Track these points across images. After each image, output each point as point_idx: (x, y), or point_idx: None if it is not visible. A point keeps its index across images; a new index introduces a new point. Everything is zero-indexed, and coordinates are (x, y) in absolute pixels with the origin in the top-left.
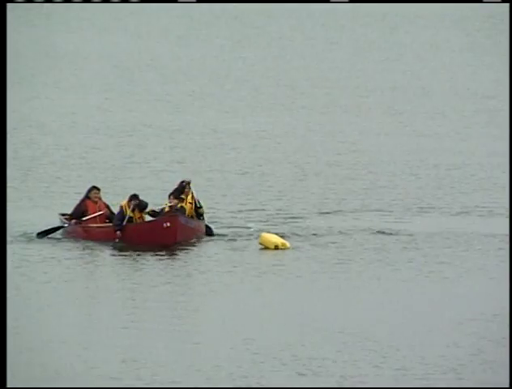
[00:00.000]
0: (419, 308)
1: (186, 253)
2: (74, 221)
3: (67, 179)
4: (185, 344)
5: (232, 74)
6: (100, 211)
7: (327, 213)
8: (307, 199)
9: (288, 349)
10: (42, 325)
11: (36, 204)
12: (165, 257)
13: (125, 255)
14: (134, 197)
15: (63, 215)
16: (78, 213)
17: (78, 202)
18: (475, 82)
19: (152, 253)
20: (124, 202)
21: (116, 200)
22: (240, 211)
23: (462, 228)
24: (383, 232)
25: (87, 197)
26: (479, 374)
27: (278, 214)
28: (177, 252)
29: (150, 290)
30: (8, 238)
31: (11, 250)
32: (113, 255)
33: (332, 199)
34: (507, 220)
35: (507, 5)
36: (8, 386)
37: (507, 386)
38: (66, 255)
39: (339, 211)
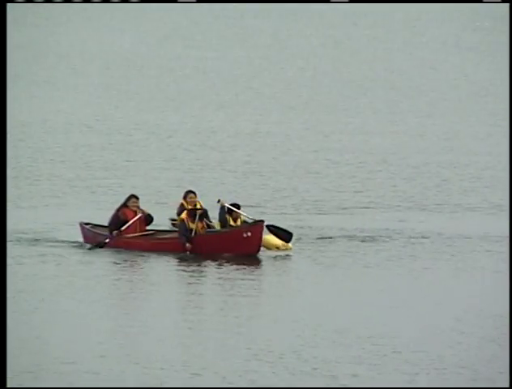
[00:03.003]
0: (419, 308)
1: (184, 253)
2: (115, 232)
3: (66, 178)
4: (183, 343)
5: (231, 74)
6: (140, 221)
7: (328, 213)
8: (307, 199)
9: (288, 349)
10: (43, 325)
11: (35, 203)
12: (165, 258)
13: (135, 261)
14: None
15: (87, 224)
16: (118, 223)
17: (114, 211)
18: (475, 81)
19: (157, 256)
20: (183, 215)
21: (113, 200)
22: None
23: (462, 227)
24: (383, 232)
25: (125, 206)
26: (478, 374)
27: (277, 214)
28: (173, 254)
29: (156, 293)
30: (8, 238)
31: (11, 249)
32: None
33: (332, 199)
34: (507, 220)
35: (507, 5)
36: (8, 386)
37: (507, 386)
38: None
39: (340, 210)
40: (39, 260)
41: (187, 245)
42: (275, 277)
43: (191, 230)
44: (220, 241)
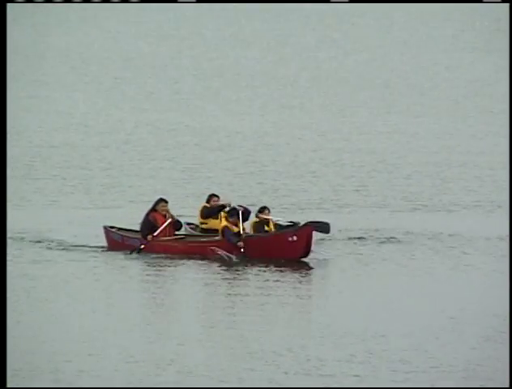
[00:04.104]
0: (417, 307)
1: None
2: (150, 237)
3: (65, 178)
4: (183, 343)
5: (231, 74)
6: (170, 227)
7: (326, 212)
8: (306, 198)
9: (285, 349)
10: (43, 324)
11: (35, 203)
12: (173, 260)
13: (150, 265)
14: (234, 211)
15: (112, 227)
16: (149, 228)
17: (143, 216)
18: (475, 81)
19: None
20: (224, 222)
21: (111, 200)
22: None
23: (461, 226)
24: (381, 231)
25: (154, 210)
26: (478, 374)
27: (276, 213)
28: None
29: (159, 292)
30: (8, 239)
31: (10, 249)
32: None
33: (331, 198)
34: (507, 219)
35: (507, 5)
36: (8, 386)
37: (507, 386)
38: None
39: (338, 209)
40: (38, 260)
41: (239, 243)
42: (271, 277)
43: (238, 233)
44: (264, 244)
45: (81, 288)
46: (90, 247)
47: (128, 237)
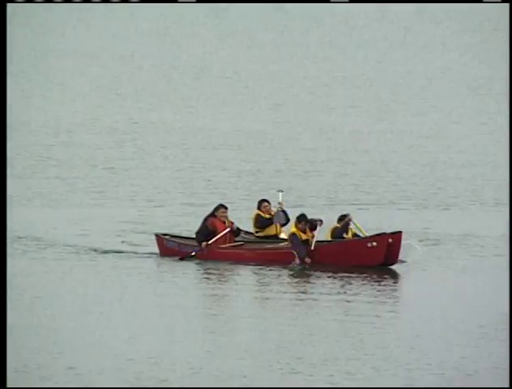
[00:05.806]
0: (417, 307)
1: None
2: (204, 244)
3: (65, 178)
4: (185, 344)
5: (230, 74)
6: (229, 235)
7: (324, 211)
8: (304, 198)
9: (287, 349)
10: (45, 324)
11: (35, 203)
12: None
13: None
14: (303, 217)
15: (164, 235)
16: (206, 233)
17: (202, 222)
18: (475, 81)
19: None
20: (293, 228)
21: (113, 200)
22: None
23: (461, 226)
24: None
25: (213, 216)
26: (479, 374)
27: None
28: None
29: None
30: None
31: (10, 249)
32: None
33: (329, 197)
34: (507, 219)
35: (507, 5)
36: (8, 386)
37: (507, 386)
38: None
39: (337, 208)
40: (36, 259)
41: (307, 259)
42: (269, 277)
43: (306, 241)
44: (340, 251)
45: (80, 286)
46: (87, 247)
47: (184, 244)
